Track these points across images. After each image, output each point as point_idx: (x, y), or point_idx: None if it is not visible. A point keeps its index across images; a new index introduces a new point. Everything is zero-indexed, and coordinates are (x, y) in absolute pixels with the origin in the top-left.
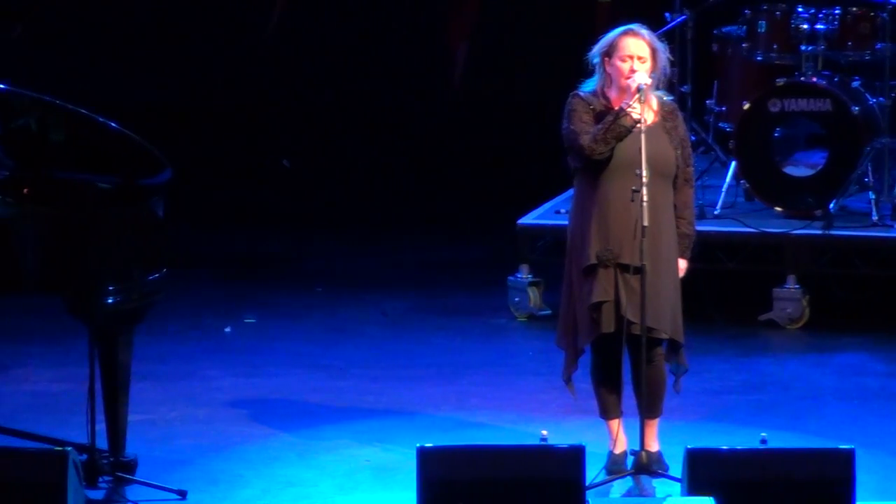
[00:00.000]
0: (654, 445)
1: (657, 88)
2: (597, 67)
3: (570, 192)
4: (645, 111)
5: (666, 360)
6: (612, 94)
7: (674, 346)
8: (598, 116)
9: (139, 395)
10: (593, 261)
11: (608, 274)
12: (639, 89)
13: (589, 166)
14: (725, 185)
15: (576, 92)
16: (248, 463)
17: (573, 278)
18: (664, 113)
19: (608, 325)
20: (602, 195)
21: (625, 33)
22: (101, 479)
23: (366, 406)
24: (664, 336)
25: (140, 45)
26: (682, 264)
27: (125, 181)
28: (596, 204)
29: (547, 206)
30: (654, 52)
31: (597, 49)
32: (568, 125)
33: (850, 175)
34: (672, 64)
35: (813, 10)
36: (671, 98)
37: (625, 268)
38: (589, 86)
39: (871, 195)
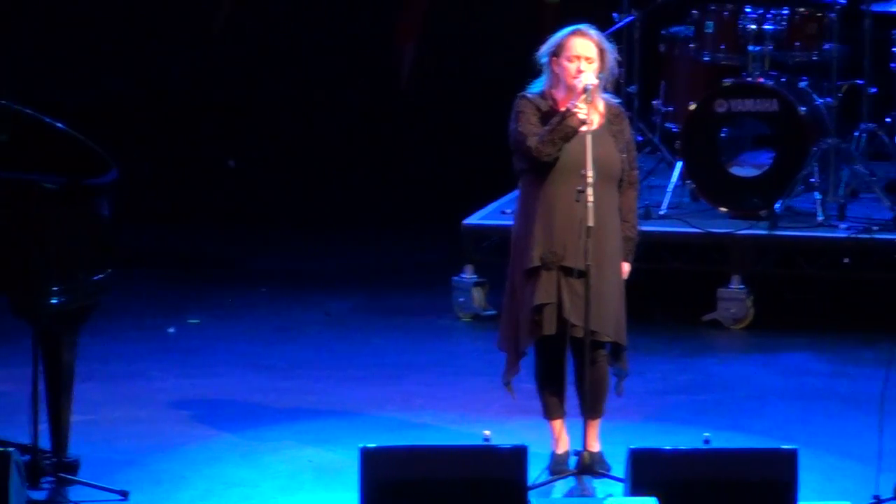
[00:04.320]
0: (596, 446)
1: (605, 90)
2: (544, 67)
3: (516, 192)
4: (591, 113)
5: (609, 364)
6: (560, 95)
7: (616, 350)
8: (545, 117)
9: (82, 396)
10: (536, 263)
11: (551, 276)
12: (585, 90)
13: (535, 168)
14: (671, 186)
15: (523, 93)
16: (190, 463)
17: (516, 280)
18: (610, 116)
19: (550, 328)
20: (547, 197)
21: (573, 33)
22: (43, 480)
23: (309, 406)
24: (607, 339)
25: (84, 44)
26: (626, 268)
27: (70, 181)
28: (540, 206)
29: (493, 206)
30: (601, 52)
31: (545, 49)
32: (515, 127)
33: (797, 175)
34: (619, 64)
35: (761, 11)
36: (618, 101)
37: (568, 271)
38: (536, 87)
39: (818, 195)
